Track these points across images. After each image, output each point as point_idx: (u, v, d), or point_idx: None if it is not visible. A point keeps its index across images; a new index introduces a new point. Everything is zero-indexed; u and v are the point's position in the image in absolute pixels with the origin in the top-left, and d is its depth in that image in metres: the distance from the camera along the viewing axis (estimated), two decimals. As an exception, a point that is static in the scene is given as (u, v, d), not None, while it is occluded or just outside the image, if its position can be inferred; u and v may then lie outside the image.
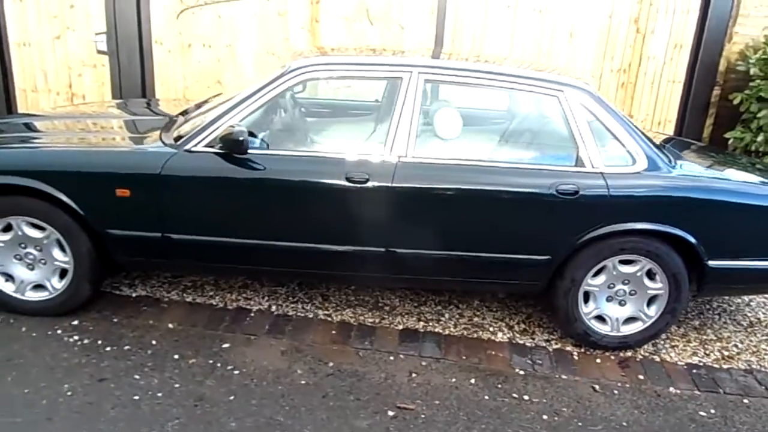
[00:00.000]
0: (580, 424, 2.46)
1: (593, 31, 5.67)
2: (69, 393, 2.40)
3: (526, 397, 2.60)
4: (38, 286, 2.91)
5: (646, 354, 3.01)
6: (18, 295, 2.89)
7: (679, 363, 2.96)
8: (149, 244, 2.80)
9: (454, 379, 2.70)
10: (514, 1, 5.55)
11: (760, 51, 5.55)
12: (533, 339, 3.07)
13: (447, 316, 3.23)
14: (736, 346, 3.12)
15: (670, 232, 2.73)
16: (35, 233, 2.81)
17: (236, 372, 2.62)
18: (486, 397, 2.59)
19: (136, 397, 2.41)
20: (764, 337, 3.22)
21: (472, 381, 2.70)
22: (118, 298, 3.15)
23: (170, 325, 2.96)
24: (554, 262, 2.79)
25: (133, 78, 5.46)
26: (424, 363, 2.81)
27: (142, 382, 2.50)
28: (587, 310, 2.91)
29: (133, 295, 3.21)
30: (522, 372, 2.80)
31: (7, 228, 2.82)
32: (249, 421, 2.33)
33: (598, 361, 2.94)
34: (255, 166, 2.65)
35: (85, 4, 5.29)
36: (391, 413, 2.43)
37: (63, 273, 2.88)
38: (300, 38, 5.51)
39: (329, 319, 3.12)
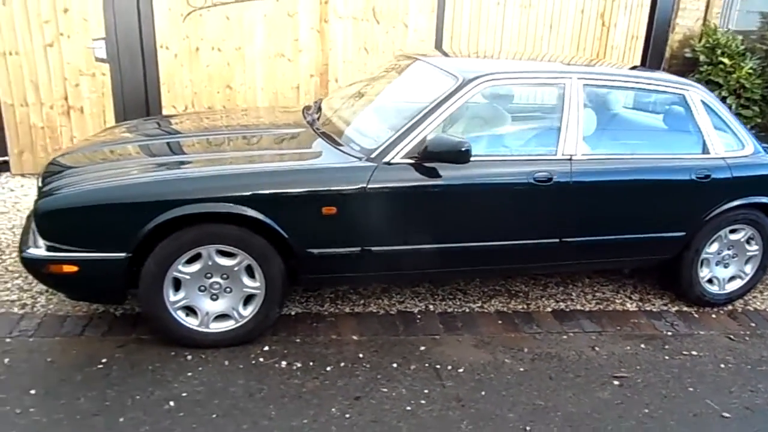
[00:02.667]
0: (748, 366, 2.97)
1: (568, 24, 6.29)
2: (347, 416, 2.43)
3: (694, 353, 3.07)
4: (220, 316, 2.82)
5: (741, 306, 3.61)
6: (202, 329, 2.79)
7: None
8: (347, 259, 2.83)
9: (628, 347, 3.09)
10: (503, -1, 5.97)
11: (704, 39, 6.48)
12: (653, 305, 3.55)
13: (574, 295, 3.60)
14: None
15: (764, 203, 3.32)
16: (226, 261, 2.73)
17: (461, 370, 2.79)
18: (666, 357, 3.01)
19: (408, 408, 2.50)
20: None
21: (642, 346, 3.11)
22: (282, 318, 3.12)
23: (354, 337, 3.01)
24: (687, 237, 3.28)
25: (136, 86, 5.14)
26: (593, 337, 3.17)
27: (393, 394, 2.59)
28: (702, 274, 3.45)
29: (292, 313, 3.19)
30: (670, 333, 3.26)
31: (193, 259, 2.70)
32: (519, 410, 2.53)
33: (713, 316, 3.49)
34: (465, 172, 2.79)
35: (81, 8, 4.86)
36: (616, 383, 2.77)
37: (247, 299, 2.82)
38: (309, 39, 5.52)
39: (485, 310, 3.36)
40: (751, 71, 6.12)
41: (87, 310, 3.07)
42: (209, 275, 2.74)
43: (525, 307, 3.43)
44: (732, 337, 3.27)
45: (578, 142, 3.01)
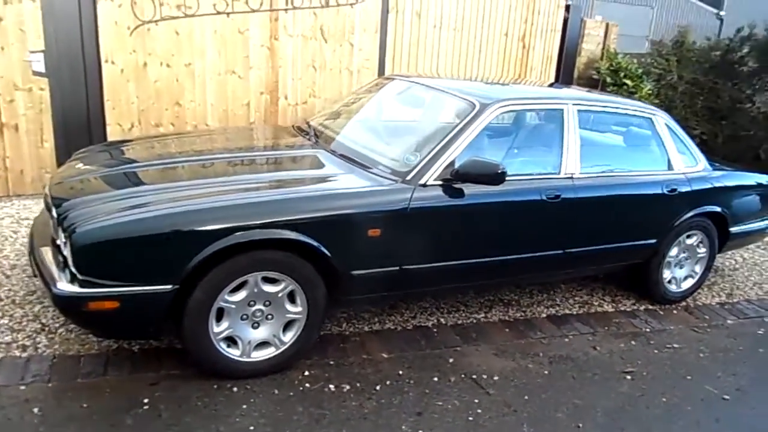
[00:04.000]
0: (720, 354, 3.45)
1: (494, 47, 6.80)
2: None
3: (676, 345, 3.50)
4: (260, 344, 2.78)
5: (691, 302, 4.14)
6: (243, 358, 2.73)
7: (712, 303, 4.17)
8: (385, 279, 2.91)
9: (622, 345, 3.45)
10: (438, 21, 6.34)
11: (607, 63, 7.27)
12: (625, 305, 3.98)
13: (558, 300, 3.94)
14: (740, 288, 4.47)
15: (715, 210, 3.87)
16: (270, 288, 2.70)
17: (496, 378, 2.97)
18: (656, 351, 3.41)
19: (470, 418, 2.63)
20: (748, 274, 4.65)
21: (633, 343, 3.49)
22: (308, 341, 3.11)
23: (384, 355, 3.09)
24: (658, 243, 3.72)
25: (77, 102, 4.84)
26: (589, 338, 3.50)
27: (449, 406, 2.70)
28: (666, 275, 3.92)
29: (315, 335, 3.19)
30: (648, 330, 3.68)
31: (237, 287, 2.64)
32: (564, 410, 2.76)
33: (674, 312, 3.99)
34: (489, 192, 2.98)
35: (16, 18, 4.51)
36: (628, 377, 3.10)
37: (286, 325, 2.81)
38: (260, 56, 5.51)
39: (489, 320, 3.58)
40: (650, 92, 6.95)
41: (99, 348, 2.86)
42: (252, 303, 2.68)
43: (523, 314, 3.69)
44: (696, 329, 3.76)
45: (576, 161, 3.33)
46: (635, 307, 3.97)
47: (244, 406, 2.56)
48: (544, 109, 3.35)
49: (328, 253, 2.69)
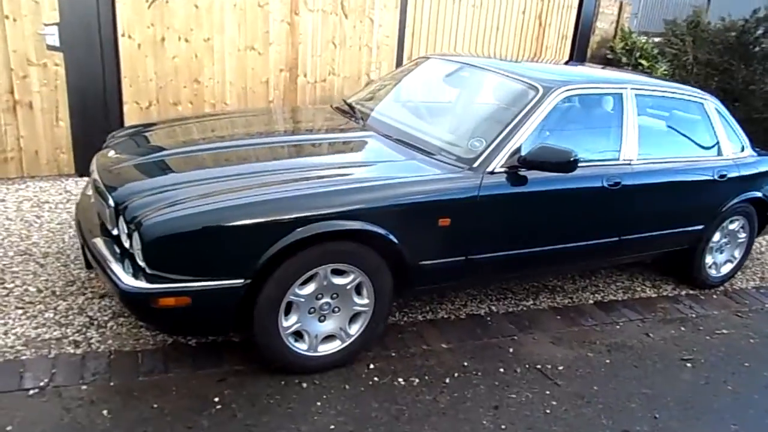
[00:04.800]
0: (751, 333, 3.45)
1: (512, 24, 6.67)
2: (503, 427, 2.45)
3: (725, 331, 3.50)
4: (326, 338, 2.69)
5: (729, 287, 4.15)
6: (310, 353, 2.63)
7: (748, 288, 4.18)
8: (450, 269, 2.83)
9: (673, 331, 3.44)
10: (458, -3, 6.18)
11: (622, 43, 7.19)
12: (666, 290, 3.97)
13: (601, 286, 3.91)
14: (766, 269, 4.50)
15: (758, 196, 3.85)
16: (339, 280, 2.60)
17: (560, 368, 2.93)
18: (707, 338, 3.40)
19: (548, 411, 2.58)
20: None
21: (683, 329, 3.48)
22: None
23: (444, 345, 3.02)
24: (705, 228, 3.70)
25: (94, 78, 4.61)
26: (639, 324, 3.48)
27: (522, 399, 2.66)
28: (708, 261, 3.91)
29: (371, 325, 3.11)
30: (694, 315, 3.68)
31: (306, 280, 2.54)
32: (636, 399, 2.72)
33: (714, 297, 3.99)
34: (559, 178, 2.90)
35: (30, -11, 4.21)
36: (688, 365, 3.08)
37: (352, 318, 2.72)
38: (280, 31, 5.32)
39: (538, 307, 3.53)
40: (666, 72, 6.89)
41: (155, 343, 2.74)
42: (320, 296, 2.58)
43: (570, 301, 3.65)
44: (739, 314, 3.76)
45: (635, 147, 3.26)
46: (676, 293, 3.95)
47: (318, 403, 2.47)
48: (605, 93, 3.25)
49: (399, 244, 2.59)
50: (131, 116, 4.83)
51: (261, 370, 2.62)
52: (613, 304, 3.69)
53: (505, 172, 2.83)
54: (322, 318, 2.63)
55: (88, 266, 2.68)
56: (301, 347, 2.60)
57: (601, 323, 3.44)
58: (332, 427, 2.35)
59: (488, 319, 3.32)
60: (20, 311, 2.85)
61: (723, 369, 3.08)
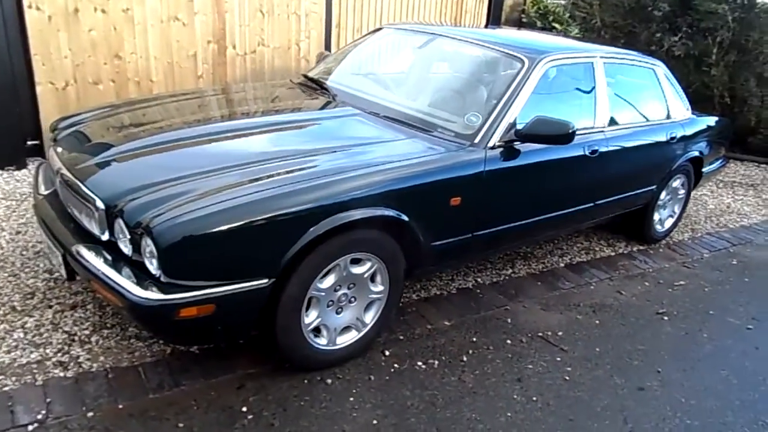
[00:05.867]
0: (718, 287, 3.79)
1: (435, -8, 6.64)
2: (534, 399, 2.50)
3: (681, 282, 3.79)
4: (343, 330, 2.59)
5: (668, 240, 4.49)
6: (329, 347, 2.53)
7: (684, 239, 4.56)
8: (459, 247, 2.81)
9: (639, 287, 3.67)
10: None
11: (535, 6, 7.42)
12: (620, 248, 4.22)
13: (565, 248, 4.08)
14: (698, 222, 4.91)
15: (696, 154, 4.18)
16: (357, 269, 2.50)
17: (560, 333, 3.03)
18: (670, 290, 3.67)
19: (567, 377, 2.66)
20: (696, 210, 5.07)
21: (647, 284, 3.73)
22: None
23: (446, 323, 3.02)
24: (657, 188, 3.96)
25: None
26: (609, 283, 3.68)
27: (539, 368, 2.72)
28: (656, 218, 4.20)
29: (370, 310, 3.04)
30: (651, 270, 3.95)
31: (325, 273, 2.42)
32: (638, 357, 2.88)
33: (661, 251, 4.30)
34: (547, 149, 2.94)
35: None
36: (665, 318, 3.31)
37: (366, 306, 2.64)
38: (204, 1, 4.90)
39: (519, 275, 3.62)
40: (578, 35, 7.21)
41: (152, 354, 2.50)
42: (338, 287, 2.46)
43: (544, 266, 3.78)
44: (687, 266, 4.09)
45: (606, 114, 3.38)
46: (629, 249, 4.22)
47: (351, 399, 2.38)
48: (580, 62, 3.32)
49: (416, 228, 2.52)
50: (46, 98, 4.28)
51: (276, 370, 2.48)
52: (580, 265, 3.87)
53: (502, 146, 2.82)
54: (339, 310, 2.51)
55: (70, 277, 2.35)
56: (320, 342, 2.48)
57: (577, 285, 3.59)
58: (375, 422, 2.27)
59: (478, 291, 3.35)
60: (-19, 335, 2.46)
61: (694, 319, 3.34)
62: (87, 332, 2.56)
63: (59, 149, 2.64)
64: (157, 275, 2.03)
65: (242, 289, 2.12)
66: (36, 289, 2.82)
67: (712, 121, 4.39)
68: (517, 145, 2.86)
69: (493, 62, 3.14)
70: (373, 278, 2.57)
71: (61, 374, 2.31)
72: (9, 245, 3.19)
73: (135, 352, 2.48)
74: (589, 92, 3.33)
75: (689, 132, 4.03)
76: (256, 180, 2.24)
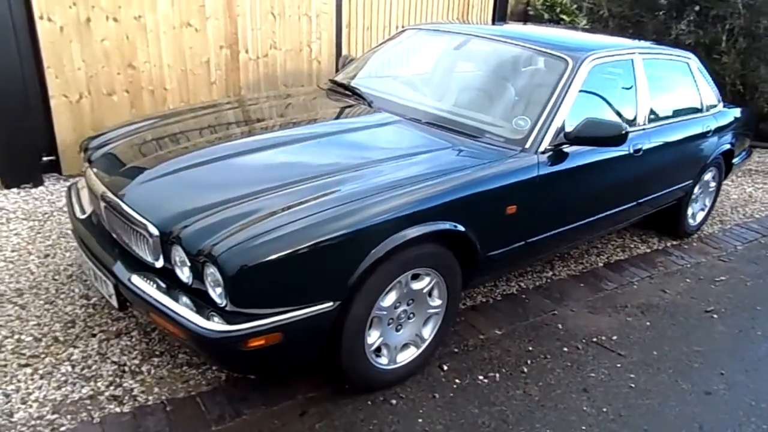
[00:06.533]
0: (760, 281, 3.74)
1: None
2: (604, 410, 2.43)
3: (722, 278, 3.73)
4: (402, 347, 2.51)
5: (700, 234, 4.43)
6: (391, 366, 2.44)
7: (715, 232, 4.50)
8: (513, 255, 2.73)
9: (681, 284, 3.62)
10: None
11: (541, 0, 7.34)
12: (655, 244, 4.16)
13: (601, 247, 4.02)
14: (725, 214, 4.86)
15: (728, 148, 4.12)
16: (417, 285, 2.41)
17: (614, 338, 2.97)
18: (712, 287, 3.62)
19: (632, 385, 2.60)
20: (721, 200, 5.03)
21: (688, 281, 3.67)
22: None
23: (497, 332, 2.95)
24: (693, 182, 3.90)
25: (10, 71, 3.89)
26: (651, 282, 3.62)
27: (601, 377, 2.65)
28: (689, 212, 4.15)
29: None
30: (689, 265, 3.90)
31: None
32: (696, 359, 2.82)
33: (695, 244, 4.25)
34: (594, 150, 2.87)
35: None
36: (715, 316, 3.25)
37: (424, 321, 2.56)
38: (215, 3, 4.81)
39: (560, 277, 3.55)
40: (586, 26, 7.14)
41: (207, 381, 2.40)
42: (398, 305, 2.38)
43: (583, 266, 3.71)
44: (722, 260, 4.04)
45: (646, 111, 3.31)
46: (663, 245, 4.16)
47: (420, 420, 2.30)
48: (621, 59, 3.23)
49: (474, 239, 2.44)
50: (60, 112, 4.15)
51: (336, 393, 2.39)
52: (619, 263, 3.80)
53: (551, 149, 2.73)
54: (399, 327, 2.43)
55: (122, 307, 2.24)
56: (382, 362, 2.40)
57: (619, 285, 3.53)
58: (450, 444, 2.19)
59: (523, 297, 3.28)
60: (27, 369, 2.36)
61: (742, 316, 3.28)
62: (137, 362, 2.45)
63: (97, 170, 2.52)
64: (222, 304, 1.94)
65: (309, 315, 2.03)
66: (75, 316, 2.71)
67: (738, 112, 4.33)
68: (565, 147, 2.78)
69: (535, 63, 3.05)
70: (430, 293, 2.48)
71: (117, 410, 2.20)
72: (39, 270, 3.07)
73: (190, 381, 2.38)
74: (630, 89, 3.25)
75: (721, 124, 3.96)
76: (315, 198, 2.13)
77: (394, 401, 2.38)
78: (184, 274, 2.05)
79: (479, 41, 3.31)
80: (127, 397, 2.26)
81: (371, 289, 2.18)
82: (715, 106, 3.99)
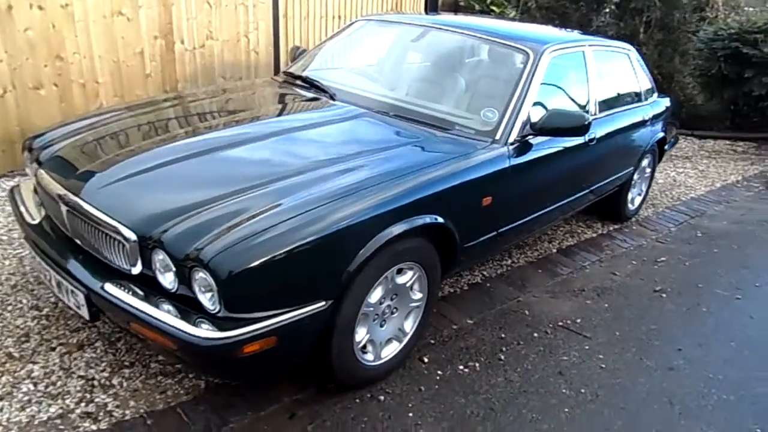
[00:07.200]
0: (696, 260, 4.00)
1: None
2: (582, 390, 2.52)
3: (663, 259, 3.97)
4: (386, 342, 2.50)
5: (637, 217, 4.70)
6: (376, 362, 2.43)
7: (649, 215, 4.79)
8: (486, 246, 2.78)
9: (629, 266, 3.82)
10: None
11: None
12: (599, 229, 4.37)
13: (551, 234, 4.17)
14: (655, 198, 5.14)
15: (662, 135, 4.39)
16: (401, 279, 2.41)
17: (578, 320, 3.08)
18: (656, 267, 3.84)
19: (603, 365, 2.71)
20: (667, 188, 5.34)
21: (634, 262, 3.88)
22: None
23: (468, 321, 3.00)
24: (634, 169, 4.12)
25: None
26: (600, 266, 3.80)
27: (573, 359, 2.75)
28: (629, 197, 4.38)
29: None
30: (632, 248, 4.12)
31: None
32: (653, 336, 2.98)
33: (634, 228, 4.49)
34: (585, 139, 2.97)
35: None
36: (663, 295, 3.45)
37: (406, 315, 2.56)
38: (147, -8, 4.54)
39: (519, 263, 3.66)
40: (515, 17, 7.35)
41: (186, 391, 2.29)
42: (382, 300, 2.36)
43: (538, 253, 3.84)
44: (660, 241, 4.30)
45: (596, 101, 3.45)
46: (607, 229, 4.37)
47: (410, 414, 2.30)
48: (574, 51, 3.34)
49: (454, 232, 2.46)
50: (-18, 107, 3.79)
51: (321, 393, 2.35)
52: (570, 249, 3.96)
53: (519, 140, 2.79)
54: (383, 323, 2.42)
55: (94, 319, 2.09)
56: (368, 359, 2.37)
57: (573, 269, 3.67)
58: (442, 437, 2.20)
59: (488, 285, 3.35)
60: (-17, 392, 2.15)
61: (688, 294, 3.50)
62: (106, 374, 2.30)
63: (50, 172, 2.33)
64: (215, 310, 1.85)
65: (302, 316, 1.97)
66: (29, 329, 2.50)
67: (668, 101, 4.60)
68: (530, 138, 2.84)
69: (495, 55, 3.10)
70: (412, 286, 2.48)
71: (93, 427, 2.06)
72: (-26, 281, 2.81)
73: (167, 391, 2.26)
74: (583, 80, 3.37)
75: (657, 112, 4.20)
76: (300, 196, 2.07)
77: (381, 397, 2.37)
78: (167, 280, 1.93)
79: (437, 33, 3.31)
80: (101, 413, 2.12)
81: (361, 285, 2.15)
82: (651, 95, 4.21)
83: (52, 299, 2.72)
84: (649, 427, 2.35)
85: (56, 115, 4.10)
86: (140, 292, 1.97)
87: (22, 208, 2.49)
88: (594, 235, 4.24)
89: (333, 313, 2.08)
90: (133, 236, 1.94)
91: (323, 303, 2.02)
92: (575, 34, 3.76)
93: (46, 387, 2.20)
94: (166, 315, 1.86)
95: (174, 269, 1.88)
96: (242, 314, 1.86)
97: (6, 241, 3.22)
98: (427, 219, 2.28)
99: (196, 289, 1.86)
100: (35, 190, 2.60)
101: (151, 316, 1.87)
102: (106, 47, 4.33)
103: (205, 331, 1.81)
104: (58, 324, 2.56)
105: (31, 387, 2.20)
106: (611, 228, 4.39)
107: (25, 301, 2.70)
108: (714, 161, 6.66)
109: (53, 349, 2.40)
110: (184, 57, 4.88)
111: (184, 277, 1.87)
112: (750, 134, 7.51)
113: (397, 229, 2.15)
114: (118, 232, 1.97)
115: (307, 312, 1.98)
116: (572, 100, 3.26)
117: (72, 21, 4.11)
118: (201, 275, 1.82)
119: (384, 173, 2.28)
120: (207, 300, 1.85)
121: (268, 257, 1.85)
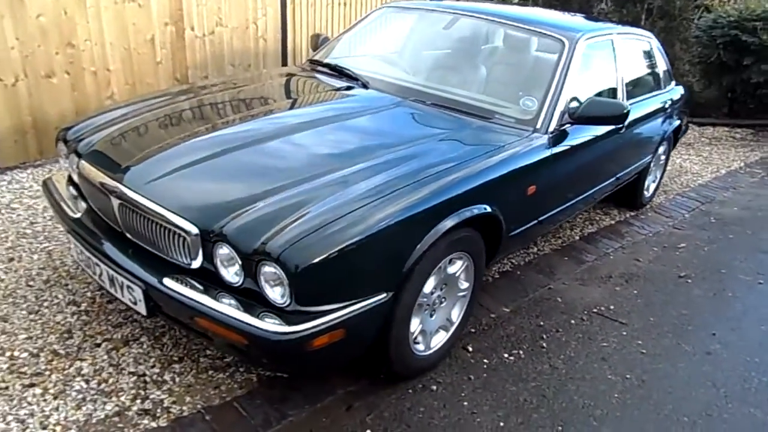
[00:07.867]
0: (714, 245, 4.05)
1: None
2: (628, 376, 2.54)
3: (682, 245, 4.01)
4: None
5: (651, 204, 4.74)
6: (427, 352, 2.43)
7: (663, 202, 4.83)
8: (528, 234, 2.79)
9: (650, 253, 3.85)
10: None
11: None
12: (617, 216, 4.40)
13: (572, 223, 4.19)
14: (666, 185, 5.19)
15: (679, 123, 4.42)
16: (452, 269, 2.41)
17: (612, 307, 3.11)
18: (677, 254, 3.88)
19: (643, 350, 2.74)
20: (675, 175, 5.40)
21: (655, 249, 3.92)
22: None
23: (505, 309, 3.01)
24: (652, 156, 4.15)
25: None
26: (623, 252, 3.83)
27: (613, 346, 2.77)
28: (646, 184, 4.42)
29: (432, 306, 2.96)
30: (651, 234, 4.16)
31: (426, 277, 2.30)
32: (686, 322, 3.02)
33: (650, 214, 4.53)
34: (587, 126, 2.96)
35: None
36: (689, 281, 3.49)
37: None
38: (162, -23, 4.45)
39: (545, 251, 3.67)
40: (517, 2, 7.30)
41: (240, 384, 2.27)
42: (434, 290, 2.36)
43: (562, 240, 3.86)
44: (677, 227, 4.34)
45: (626, 89, 3.46)
46: (624, 216, 4.41)
47: (465, 404, 2.30)
48: (605, 40, 3.33)
49: (502, 221, 2.45)
50: (-5, 97, 3.69)
51: (374, 384, 2.35)
52: (592, 236, 3.98)
53: (558, 129, 2.79)
54: (432, 313, 2.41)
55: (151, 314, 2.05)
56: (420, 348, 2.37)
57: (597, 256, 3.70)
58: (501, 424, 2.21)
59: (518, 273, 3.36)
60: (35, 390, 2.11)
61: (712, 279, 3.55)
62: (156, 370, 2.26)
63: (96, 165, 2.27)
64: (284, 304, 1.82)
65: (367, 307, 1.96)
66: (70, 325, 2.45)
67: (682, 89, 4.63)
68: (567, 127, 2.84)
69: (531, 44, 3.08)
70: (459, 276, 2.47)
71: (153, 425, 2.03)
72: (9, 276, 2.74)
73: (221, 386, 2.23)
74: (613, 68, 3.37)
75: (675, 99, 4.22)
76: (360, 187, 2.04)
77: (434, 387, 2.37)
78: (231, 274, 1.90)
79: (467, 20, 3.28)
80: (159, 410, 2.08)
81: (419, 276, 2.14)
82: (669, 83, 4.24)
83: (89, 294, 2.67)
84: (698, 410, 2.38)
85: (69, 104, 4.01)
86: (199, 287, 1.93)
87: (61, 202, 2.42)
88: (612, 222, 4.27)
89: (393, 305, 2.07)
90: (194, 230, 1.90)
91: (385, 294, 2.01)
92: (601, 23, 3.75)
93: (99, 384, 2.16)
94: (232, 309, 1.83)
95: (240, 263, 1.85)
96: (311, 307, 1.84)
97: (30, 234, 3.14)
98: (479, 209, 2.26)
99: (263, 283, 1.83)
100: (70, 183, 2.54)
101: (217, 311, 1.84)
102: (117, 34, 4.23)
103: (276, 326, 1.78)
104: (99, 319, 2.51)
105: (84, 384, 2.15)
106: (628, 215, 4.43)
107: (60, 296, 2.64)
108: (716, 148, 6.73)
109: (98, 345, 2.36)
110: (195, 44, 4.79)
111: (249, 270, 1.84)
112: (747, 121, 7.61)
113: (452, 219, 2.13)
114: (179, 226, 1.93)
115: (371, 303, 1.96)
116: (604, 87, 3.25)
117: (84, 7, 4.00)
118: (270, 269, 1.80)
119: (438, 162, 2.26)
120: (276, 294, 1.83)
121: (337, 249, 1.83)
